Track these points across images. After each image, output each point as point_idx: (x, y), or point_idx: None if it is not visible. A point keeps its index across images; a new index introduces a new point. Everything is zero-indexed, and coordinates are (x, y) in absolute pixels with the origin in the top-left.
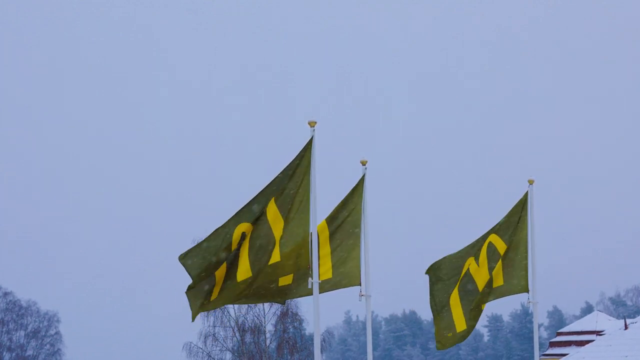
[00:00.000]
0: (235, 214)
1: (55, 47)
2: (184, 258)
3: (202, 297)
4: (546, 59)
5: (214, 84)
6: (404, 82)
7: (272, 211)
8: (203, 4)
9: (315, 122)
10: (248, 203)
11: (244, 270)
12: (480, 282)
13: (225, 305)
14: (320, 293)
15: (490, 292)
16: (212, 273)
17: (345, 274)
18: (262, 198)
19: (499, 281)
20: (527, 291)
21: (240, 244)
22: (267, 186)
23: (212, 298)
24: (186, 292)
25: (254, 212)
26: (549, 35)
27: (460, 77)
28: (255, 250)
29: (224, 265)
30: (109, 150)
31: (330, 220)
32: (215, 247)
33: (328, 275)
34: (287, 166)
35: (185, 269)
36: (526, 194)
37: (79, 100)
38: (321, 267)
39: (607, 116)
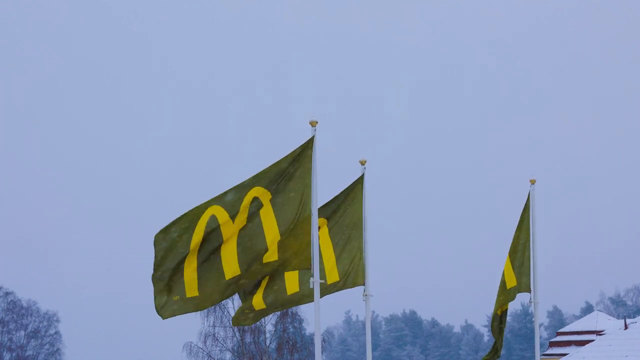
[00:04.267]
0: (211, 199)
1: (55, 50)
2: (159, 239)
3: (171, 292)
4: (547, 60)
5: (213, 85)
6: (404, 82)
7: (267, 210)
8: (202, 5)
9: (317, 122)
10: (227, 191)
11: (231, 268)
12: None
13: (226, 306)
14: (327, 295)
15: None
16: (180, 266)
17: (350, 275)
18: (244, 189)
19: (512, 282)
20: (529, 291)
21: (220, 238)
22: (252, 177)
23: (190, 295)
24: (152, 279)
25: (232, 199)
26: (550, 36)
27: (461, 78)
28: (244, 248)
29: (195, 258)
30: (109, 152)
31: (330, 220)
32: (184, 233)
33: (335, 277)
34: (282, 160)
35: (155, 250)
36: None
37: (78, 102)
38: (327, 269)
39: (607, 116)
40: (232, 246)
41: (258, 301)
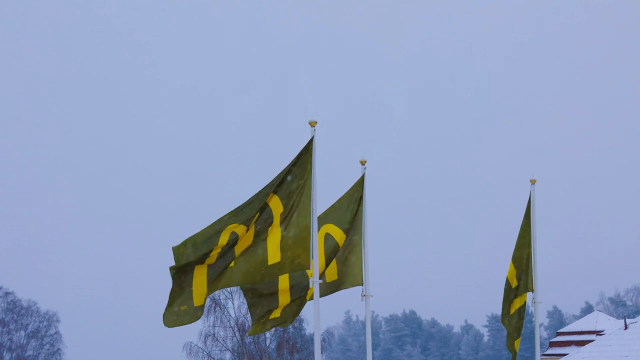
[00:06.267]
0: (230, 212)
1: (54, 51)
2: (178, 249)
3: (179, 302)
4: (547, 60)
5: (213, 85)
6: (404, 82)
7: (276, 210)
8: (202, 7)
9: (316, 122)
10: (244, 203)
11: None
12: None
13: (226, 306)
14: (327, 295)
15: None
16: (191, 272)
17: (349, 274)
18: (258, 198)
19: (514, 282)
20: (533, 290)
21: (231, 246)
22: (265, 187)
23: (197, 304)
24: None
25: (248, 214)
26: (551, 37)
27: (461, 78)
28: (248, 255)
29: (205, 267)
30: (109, 153)
31: (334, 221)
32: (204, 245)
33: (334, 276)
34: (287, 166)
35: (175, 258)
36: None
37: (77, 103)
38: (328, 268)
39: (608, 117)
40: (237, 251)
41: (274, 314)
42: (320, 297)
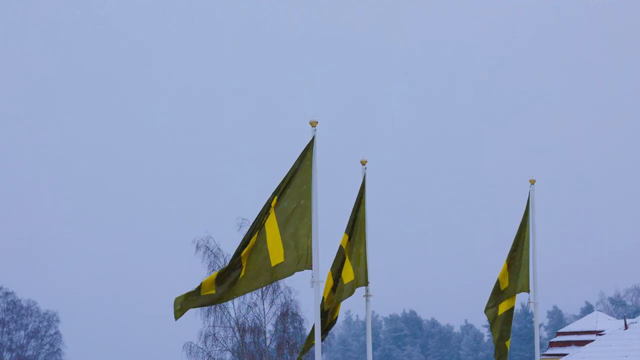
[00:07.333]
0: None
1: (54, 51)
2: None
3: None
4: (547, 61)
5: (213, 86)
6: (405, 83)
7: (271, 216)
8: (201, 8)
9: (317, 122)
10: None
11: (244, 268)
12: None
13: (226, 306)
14: (346, 297)
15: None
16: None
17: (356, 275)
18: (268, 203)
19: (505, 283)
20: (529, 291)
21: (238, 254)
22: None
23: (203, 292)
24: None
25: (256, 222)
26: (552, 38)
27: (462, 79)
28: (253, 249)
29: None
30: (108, 154)
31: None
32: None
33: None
34: (291, 168)
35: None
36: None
37: (76, 103)
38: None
39: (608, 117)
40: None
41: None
42: (341, 301)
